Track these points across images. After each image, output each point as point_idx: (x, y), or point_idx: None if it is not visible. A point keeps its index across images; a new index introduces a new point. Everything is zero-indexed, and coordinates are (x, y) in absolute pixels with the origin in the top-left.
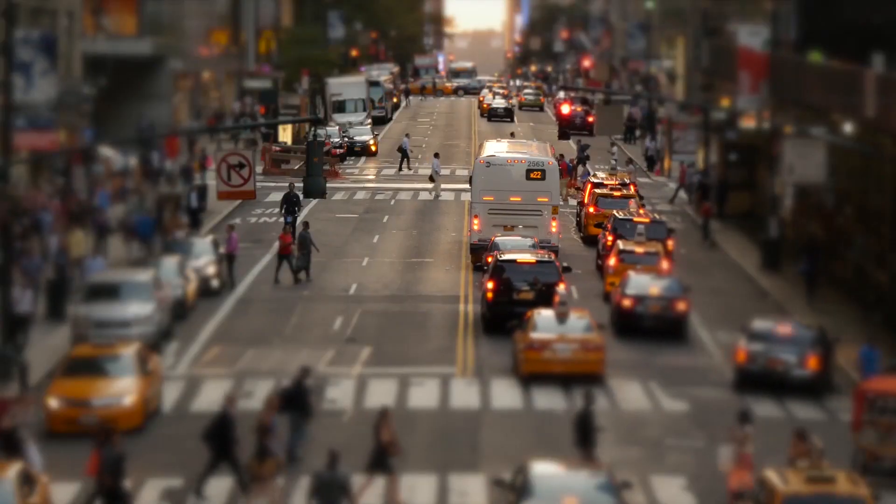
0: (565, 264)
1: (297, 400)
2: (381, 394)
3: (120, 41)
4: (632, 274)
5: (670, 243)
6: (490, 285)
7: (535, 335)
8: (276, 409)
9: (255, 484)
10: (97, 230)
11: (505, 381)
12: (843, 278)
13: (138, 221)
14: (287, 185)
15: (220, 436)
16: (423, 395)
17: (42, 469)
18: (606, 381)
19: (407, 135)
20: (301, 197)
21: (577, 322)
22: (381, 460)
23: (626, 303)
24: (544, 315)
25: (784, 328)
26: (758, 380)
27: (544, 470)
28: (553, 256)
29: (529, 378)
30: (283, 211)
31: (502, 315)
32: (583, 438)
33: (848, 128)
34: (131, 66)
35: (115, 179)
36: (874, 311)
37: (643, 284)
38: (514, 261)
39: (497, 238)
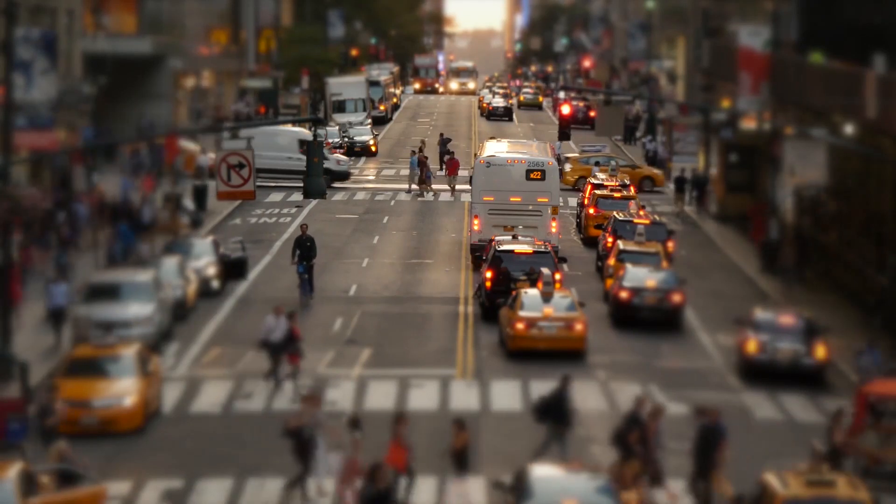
0: (561, 255)
1: (557, 408)
2: (381, 395)
3: (120, 40)
4: (629, 266)
5: (670, 245)
6: (489, 274)
7: (523, 313)
8: (662, 415)
9: (617, 486)
10: (60, 245)
11: (505, 383)
12: (844, 282)
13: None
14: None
15: (557, 410)
16: (423, 397)
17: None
18: (598, 373)
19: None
20: (315, 241)
21: (562, 301)
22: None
23: (624, 295)
24: (531, 294)
25: (788, 318)
26: (766, 370)
27: (544, 472)
28: (549, 247)
29: (516, 353)
30: (295, 258)
31: (500, 303)
32: None
33: (849, 129)
34: (131, 64)
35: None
36: (874, 315)
37: (640, 277)
38: (511, 251)
39: (498, 238)
